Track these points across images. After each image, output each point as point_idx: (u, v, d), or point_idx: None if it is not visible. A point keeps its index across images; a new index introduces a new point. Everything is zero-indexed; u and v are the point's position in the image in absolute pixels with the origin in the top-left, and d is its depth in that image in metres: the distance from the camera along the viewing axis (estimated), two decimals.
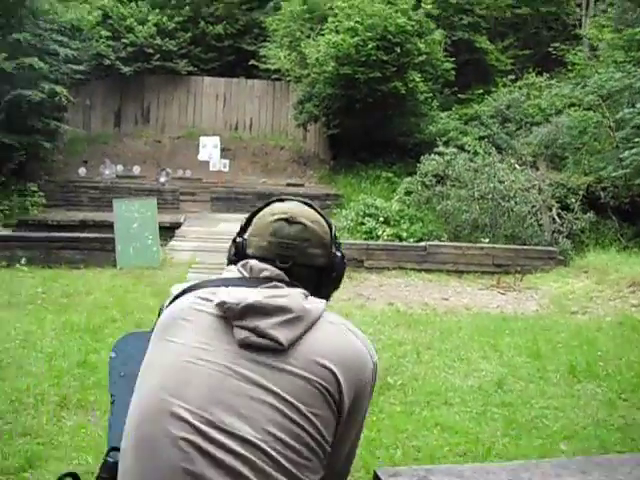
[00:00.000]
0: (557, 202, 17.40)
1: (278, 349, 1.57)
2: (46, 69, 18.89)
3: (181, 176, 22.32)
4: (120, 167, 22.48)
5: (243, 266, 1.76)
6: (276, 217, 1.79)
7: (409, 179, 18.98)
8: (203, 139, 21.95)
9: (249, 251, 1.80)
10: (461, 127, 22.71)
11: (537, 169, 18.93)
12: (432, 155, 18.11)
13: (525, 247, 14.88)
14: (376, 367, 1.73)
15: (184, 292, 1.77)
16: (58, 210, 19.83)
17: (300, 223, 1.78)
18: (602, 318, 9.97)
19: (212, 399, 1.54)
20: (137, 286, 10.92)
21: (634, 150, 16.28)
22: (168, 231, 16.47)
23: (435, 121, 22.55)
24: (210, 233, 16.84)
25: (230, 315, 1.61)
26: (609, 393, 6.32)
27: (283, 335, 1.57)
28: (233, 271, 1.77)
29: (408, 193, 18.97)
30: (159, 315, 1.80)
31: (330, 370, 1.58)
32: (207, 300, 1.68)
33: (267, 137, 25.49)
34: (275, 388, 1.54)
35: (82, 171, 21.83)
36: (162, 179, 21.31)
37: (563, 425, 5.53)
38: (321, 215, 1.87)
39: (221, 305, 1.62)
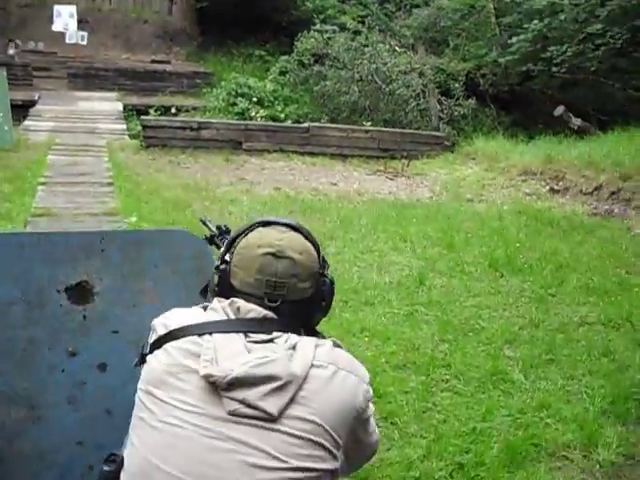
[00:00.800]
0: (437, 87, 16.93)
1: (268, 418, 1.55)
2: None
3: (33, 49, 20.17)
4: None
5: (230, 305, 1.70)
6: (263, 251, 1.71)
7: (285, 58, 18.04)
8: (58, 7, 19.77)
9: (234, 282, 1.75)
10: (339, 5, 21.71)
11: (416, 52, 18.33)
12: (311, 32, 17.07)
13: (412, 131, 14.33)
14: (369, 383, 1.70)
15: (169, 335, 1.68)
16: None
17: (288, 258, 1.71)
18: (500, 207, 9.57)
19: (200, 462, 1.53)
20: None
21: (522, 36, 15.86)
22: (21, 110, 14.81)
23: None
24: (69, 112, 15.36)
25: (219, 387, 1.55)
26: (536, 289, 5.84)
27: (272, 405, 1.54)
28: (219, 311, 1.71)
29: (283, 73, 18.12)
30: (142, 356, 1.74)
31: (320, 425, 1.57)
32: (196, 355, 1.61)
33: (129, 9, 23.42)
34: (267, 447, 1.52)
35: None
36: (11, 51, 19.17)
37: (500, 327, 4.99)
38: (308, 237, 1.79)
39: (207, 377, 1.55)
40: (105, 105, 16.77)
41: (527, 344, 4.72)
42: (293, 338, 1.65)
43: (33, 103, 16.14)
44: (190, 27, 23.04)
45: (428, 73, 16.62)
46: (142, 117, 13.19)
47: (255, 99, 16.45)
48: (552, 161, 11.25)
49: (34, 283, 2.08)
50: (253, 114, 15.71)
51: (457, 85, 16.68)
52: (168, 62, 21.00)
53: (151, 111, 15.12)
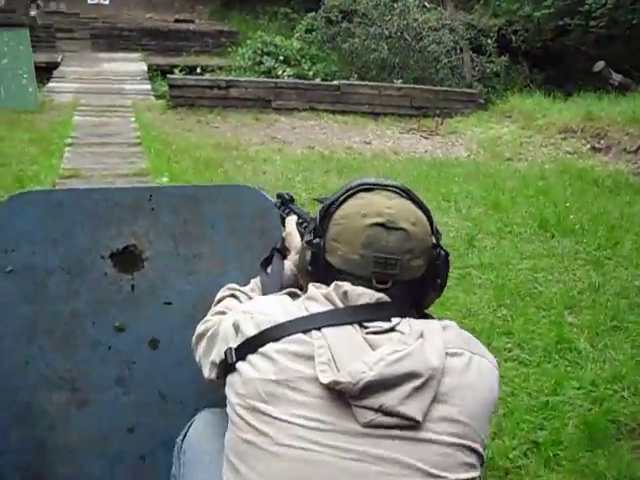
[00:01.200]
0: (468, 44, 16.44)
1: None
2: None
3: (55, 10, 19.84)
4: None
5: (335, 290, 1.41)
6: (370, 221, 1.43)
7: (311, 15, 17.57)
8: None
9: (332, 260, 1.47)
10: None
11: (446, 8, 17.79)
12: None
13: (445, 89, 13.90)
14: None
15: (261, 336, 1.38)
16: None
17: (401, 229, 1.43)
18: (541, 165, 9.19)
19: None
20: (14, 133, 9.27)
21: None
22: (44, 72, 14.56)
23: None
24: (93, 74, 15.11)
25: (347, 395, 1.28)
26: (590, 250, 5.50)
27: (415, 408, 1.28)
28: (319, 299, 1.42)
29: (309, 31, 17.69)
30: (227, 365, 1.44)
31: (468, 425, 1.32)
32: (307, 358, 1.32)
33: None
34: (418, 463, 1.27)
35: None
36: (33, 12, 18.84)
37: (559, 291, 4.67)
38: (419, 203, 1.51)
39: (334, 385, 1.27)
40: (129, 66, 16.48)
41: (589, 310, 4.40)
42: (416, 323, 1.39)
43: (56, 65, 15.89)
44: None
45: (459, 29, 16.13)
46: (168, 76, 12.88)
47: (282, 58, 16.13)
48: (593, 118, 10.79)
49: (75, 249, 1.80)
50: (280, 73, 15.39)
51: (489, 41, 16.17)
52: (192, 21, 20.63)
53: (176, 71, 14.80)
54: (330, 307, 1.40)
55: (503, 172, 8.53)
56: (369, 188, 1.49)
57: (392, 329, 1.37)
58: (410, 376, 1.28)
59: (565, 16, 15.67)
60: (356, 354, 1.31)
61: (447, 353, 1.34)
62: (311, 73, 15.69)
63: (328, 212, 1.51)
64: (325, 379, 1.28)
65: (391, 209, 1.44)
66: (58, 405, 1.85)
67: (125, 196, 1.82)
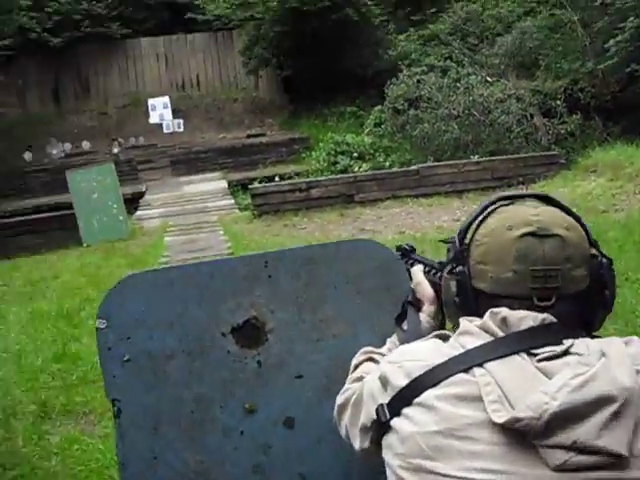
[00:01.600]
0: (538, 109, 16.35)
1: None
2: None
3: (134, 144, 20.75)
4: (68, 145, 20.86)
5: (491, 319, 1.22)
6: (518, 232, 1.25)
7: (378, 108, 17.83)
8: (151, 101, 20.44)
9: (481, 286, 1.29)
10: (420, 49, 21.47)
11: (508, 80, 17.81)
12: (400, 78, 16.86)
13: (524, 155, 13.73)
14: None
15: (415, 385, 1.19)
16: (9, 201, 18.25)
17: (555, 235, 1.24)
18: (639, 212, 8.80)
19: None
20: (109, 261, 9.52)
21: (619, 37, 15.08)
22: (131, 203, 15.13)
23: (394, 45, 21.20)
24: (176, 197, 15.64)
25: (530, 435, 1.06)
26: None
27: (617, 441, 1.03)
28: (474, 333, 1.22)
29: (378, 125, 17.99)
30: (380, 425, 1.24)
31: None
32: (472, 400, 1.12)
33: (217, 91, 23.97)
34: None
35: (28, 156, 20.17)
36: (115, 150, 19.76)
37: None
38: (567, 210, 1.30)
39: (513, 422, 1.06)
40: (210, 185, 16.93)
41: None
42: (593, 342, 1.18)
43: (142, 194, 16.51)
44: (278, 97, 23.32)
45: (525, 97, 16.06)
46: (250, 186, 13.16)
47: (356, 154, 16.45)
48: None
49: (192, 328, 1.67)
50: (356, 169, 15.56)
51: (558, 102, 16.02)
52: (263, 134, 21.22)
53: (255, 183, 15.10)
54: (489, 339, 1.21)
55: (602, 224, 8.18)
56: (506, 199, 1.34)
57: (567, 352, 1.16)
58: (603, 401, 1.06)
59: (631, 63, 15.42)
60: (531, 386, 1.10)
61: (637, 371, 1.12)
62: (387, 164, 15.83)
63: (465, 236, 1.35)
64: (500, 419, 1.08)
65: (539, 216, 1.26)
66: None
67: (238, 266, 1.69)
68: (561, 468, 1.05)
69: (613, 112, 17.04)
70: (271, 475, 1.71)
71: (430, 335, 1.37)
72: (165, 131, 20.20)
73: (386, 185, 12.50)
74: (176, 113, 21.14)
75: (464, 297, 1.31)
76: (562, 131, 15.49)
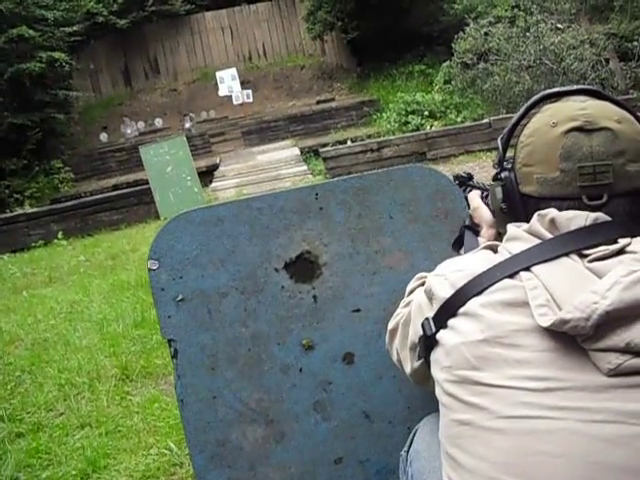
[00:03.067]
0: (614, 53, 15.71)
1: None
2: (38, 37, 17.47)
3: (206, 118, 20.94)
4: (141, 124, 21.20)
5: (540, 221, 1.13)
6: (563, 128, 1.14)
7: (447, 64, 17.46)
8: (219, 74, 20.48)
9: (528, 189, 1.20)
10: (487, 0, 20.87)
11: (579, 26, 17.15)
12: (467, 32, 16.45)
13: None
14: None
15: (460, 295, 1.11)
16: (89, 181, 18.78)
17: (604, 129, 1.12)
18: None
19: (613, 470, 0.92)
20: None
21: None
22: (206, 176, 15.28)
23: None
24: (250, 167, 15.71)
25: (580, 337, 0.98)
26: None
27: None
28: (522, 238, 1.13)
29: (447, 82, 17.66)
30: (427, 341, 1.17)
31: None
32: (519, 305, 1.04)
33: (284, 60, 23.93)
34: None
35: (103, 137, 20.60)
36: (187, 125, 19.98)
37: None
38: (620, 103, 1.19)
39: (560, 325, 0.97)
40: (282, 153, 16.96)
41: None
42: None
43: (216, 167, 16.63)
44: (346, 61, 23.10)
45: (599, 41, 15.45)
46: (321, 150, 13.10)
47: (427, 113, 16.21)
48: None
49: (245, 265, 1.63)
50: (428, 128, 15.34)
51: (635, 44, 15.37)
52: (333, 99, 21.10)
53: (328, 147, 15.06)
54: (537, 242, 1.12)
55: None
56: (552, 96, 1.25)
57: (622, 251, 1.06)
58: None
59: None
60: (581, 287, 1.01)
61: None
62: (459, 120, 15.54)
63: (509, 138, 1.28)
64: (546, 322, 1.00)
65: (586, 110, 1.16)
66: (254, 441, 1.65)
67: (288, 199, 1.63)
68: (615, 372, 0.97)
69: None
70: (332, 412, 1.67)
71: (480, 247, 1.29)
72: (235, 103, 20.26)
73: (458, 140, 12.29)
74: (244, 84, 21.18)
75: (511, 203, 1.24)
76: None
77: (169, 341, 1.61)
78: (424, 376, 1.27)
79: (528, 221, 1.18)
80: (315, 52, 23.77)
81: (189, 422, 1.63)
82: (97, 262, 8.77)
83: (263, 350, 1.65)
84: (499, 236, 1.52)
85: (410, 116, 16.47)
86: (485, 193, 1.63)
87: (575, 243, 1.08)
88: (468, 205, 1.64)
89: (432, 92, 17.44)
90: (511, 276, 1.08)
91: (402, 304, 1.44)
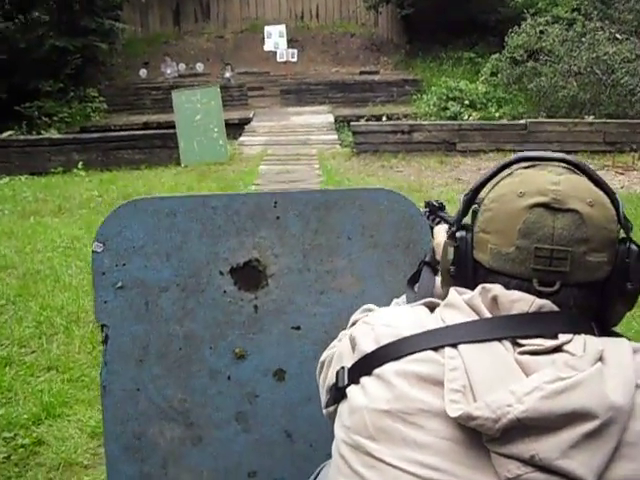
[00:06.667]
0: None
1: None
2: None
3: (247, 70, 20.79)
4: (182, 66, 21.06)
5: (481, 295, 1.06)
6: (529, 201, 1.06)
7: (496, 56, 17.17)
8: (268, 28, 20.29)
9: (481, 257, 1.12)
10: None
11: (638, 39, 16.77)
12: (522, 27, 16.14)
13: None
14: None
15: (380, 353, 1.05)
16: (120, 115, 18.70)
17: (571, 210, 1.05)
18: None
19: None
20: (202, 183, 9.63)
21: None
22: (237, 128, 15.25)
23: None
24: (282, 127, 15.59)
25: (485, 437, 0.92)
26: None
27: (585, 465, 0.88)
28: (460, 307, 1.07)
29: (494, 74, 17.34)
30: (337, 390, 1.12)
31: None
32: (433, 383, 0.98)
33: (336, 24, 23.62)
34: None
35: (143, 73, 20.52)
36: (227, 74, 19.83)
37: None
38: (598, 180, 1.10)
39: (467, 420, 0.93)
40: (317, 118, 16.83)
41: None
42: (594, 342, 1.01)
43: (248, 121, 16.55)
44: (396, 36, 22.80)
45: None
46: (352, 124, 12.97)
47: (467, 102, 16.00)
48: None
49: (190, 263, 1.60)
50: (465, 117, 15.15)
51: None
52: (377, 72, 20.85)
53: (361, 121, 14.91)
54: (474, 317, 1.05)
55: None
56: (528, 161, 1.15)
57: (558, 348, 1.00)
58: (579, 416, 0.91)
59: None
60: (503, 381, 0.95)
61: (637, 386, 0.96)
62: (497, 115, 15.33)
63: (475, 197, 1.19)
64: (454, 412, 0.94)
65: (558, 185, 1.07)
66: (171, 440, 1.63)
67: (247, 203, 1.59)
68: None
69: None
70: (254, 425, 1.65)
71: (419, 302, 1.22)
72: (279, 60, 20.10)
73: (491, 136, 12.09)
74: (291, 43, 20.97)
75: (460, 267, 1.16)
76: None
77: (102, 326, 1.58)
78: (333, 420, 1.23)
79: (472, 288, 1.12)
80: (367, 22, 23.45)
81: (108, 410, 1.61)
82: (109, 200, 8.78)
83: (194, 352, 1.62)
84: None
85: (450, 102, 16.25)
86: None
87: (512, 329, 1.02)
88: (433, 237, 1.59)
89: (477, 82, 17.17)
90: (435, 349, 1.02)
91: (339, 336, 1.39)
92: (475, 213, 1.18)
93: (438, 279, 1.46)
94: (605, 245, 1.07)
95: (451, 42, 20.55)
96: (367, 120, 14.91)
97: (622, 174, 10.64)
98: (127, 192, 9.26)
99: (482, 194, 1.20)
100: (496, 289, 1.06)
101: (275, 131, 15.14)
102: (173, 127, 12.49)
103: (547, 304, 1.04)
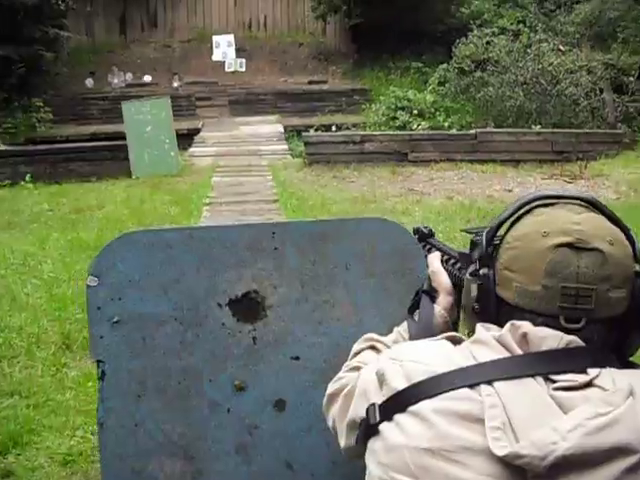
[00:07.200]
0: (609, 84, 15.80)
1: None
2: None
3: (195, 80, 20.66)
4: (129, 75, 20.83)
5: (511, 332, 1.09)
6: (554, 241, 1.10)
7: (444, 67, 17.43)
8: (216, 38, 20.27)
9: (505, 295, 1.15)
10: (494, 10, 20.91)
11: (581, 51, 17.22)
12: (469, 38, 16.42)
13: (587, 130, 13.29)
14: None
15: (413, 391, 1.06)
16: (67, 126, 18.34)
17: (595, 250, 1.09)
18: None
19: None
20: (155, 195, 9.55)
21: None
22: (186, 138, 15.09)
23: (467, 3, 20.63)
24: (231, 137, 15.55)
25: (531, 473, 0.94)
26: None
27: None
28: (490, 344, 1.09)
29: (442, 83, 17.61)
30: (369, 426, 1.12)
31: None
32: (473, 421, 1.00)
33: (284, 34, 23.62)
34: None
35: (89, 82, 20.23)
36: (175, 84, 19.70)
37: None
38: (615, 219, 1.14)
39: (514, 458, 0.94)
40: (266, 128, 16.82)
41: None
42: (621, 376, 1.04)
43: (197, 131, 16.44)
44: (345, 45, 22.91)
45: (597, 70, 15.52)
46: (304, 134, 13.00)
47: (416, 111, 16.12)
48: None
49: (188, 296, 1.58)
50: (414, 127, 15.30)
51: (631, 79, 15.46)
52: (325, 82, 20.93)
53: (311, 130, 14.95)
54: (505, 354, 1.08)
55: None
56: (547, 199, 1.19)
57: (589, 384, 1.04)
58: (620, 451, 0.93)
59: None
60: (541, 418, 0.98)
61: None
62: (446, 125, 15.55)
63: (495, 235, 1.21)
64: (500, 450, 0.96)
65: (580, 225, 1.11)
66: (171, 474, 1.61)
67: (244, 235, 1.58)
68: None
69: None
70: (254, 457, 1.64)
71: (440, 336, 1.24)
72: (227, 70, 20.07)
73: (442, 147, 12.23)
74: (240, 52, 20.95)
75: (484, 304, 1.19)
76: (631, 109, 14.93)
77: (98, 362, 1.56)
78: (358, 455, 1.22)
79: (497, 323, 1.15)
80: (316, 32, 23.50)
81: (106, 447, 1.58)
82: (60, 214, 8.65)
83: (193, 385, 1.60)
84: (456, 307, 1.48)
85: (399, 112, 16.37)
86: (446, 257, 1.59)
87: (544, 365, 1.06)
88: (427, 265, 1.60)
89: (425, 92, 17.36)
90: (471, 386, 1.04)
91: (346, 367, 1.40)
92: (491, 250, 1.21)
93: (436, 307, 1.48)
94: (625, 281, 1.11)
95: (399, 52, 20.73)
96: (316, 130, 14.94)
97: (570, 182, 10.89)
98: (79, 205, 9.13)
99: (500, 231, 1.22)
100: (525, 326, 1.10)
101: (225, 141, 15.09)
102: (123, 138, 12.33)
103: (575, 340, 1.08)
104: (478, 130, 12.91)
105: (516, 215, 1.20)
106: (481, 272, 1.19)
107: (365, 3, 19.98)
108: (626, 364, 1.14)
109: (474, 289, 1.20)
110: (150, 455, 1.59)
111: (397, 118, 16.05)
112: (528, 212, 1.19)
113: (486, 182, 10.71)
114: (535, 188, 10.26)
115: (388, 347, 1.41)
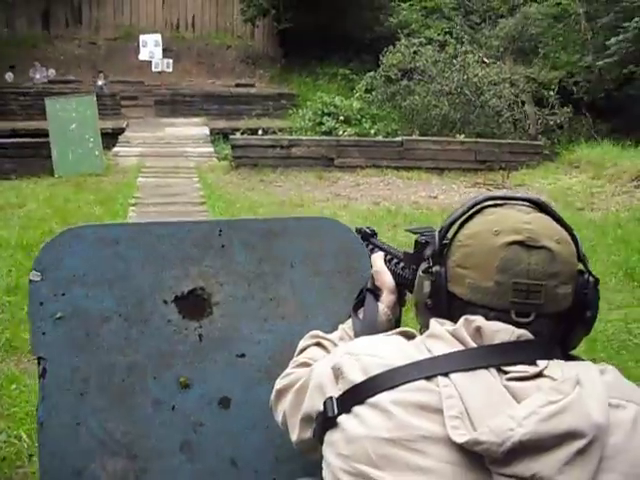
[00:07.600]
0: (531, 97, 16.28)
1: None
2: None
3: (120, 79, 20.32)
4: (52, 71, 20.35)
5: (465, 326, 1.14)
6: (506, 239, 1.15)
7: (371, 74, 17.58)
8: (143, 37, 19.96)
9: (458, 290, 1.20)
10: (422, 20, 21.28)
11: (504, 64, 17.68)
12: (397, 47, 16.63)
13: (509, 141, 13.64)
14: None
15: (371, 384, 1.10)
16: None
17: (544, 248, 1.15)
18: (616, 214, 8.79)
19: None
20: (79, 195, 9.34)
21: (621, 36, 14.95)
22: (111, 138, 14.81)
23: (395, 12, 20.91)
24: (157, 138, 15.36)
25: (489, 459, 0.99)
26: None
27: (578, 479, 0.98)
28: (445, 338, 1.14)
29: (369, 91, 17.75)
30: (326, 419, 1.15)
31: None
32: (432, 411, 1.04)
33: (212, 36, 23.49)
34: None
35: (9, 76, 19.68)
36: (100, 82, 19.32)
37: None
38: (560, 220, 1.22)
39: (473, 445, 0.99)
40: (192, 130, 16.68)
41: None
42: (568, 367, 1.11)
43: (122, 131, 16.20)
44: (273, 50, 22.94)
45: (520, 83, 15.96)
46: (231, 137, 12.94)
47: (342, 118, 16.21)
48: None
49: (133, 292, 1.56)
50: (340, 133, 15.39)
51: (551, 93, 15.94)
52: (252, 85, 20.90)
53: (237, 134, 14.90)
54: (459, 347, 1.13)
55: (577, 222, 8.09)
56: (498, 200, 1.24)
57: (540, 374, 1.09)
58: (571, 436, 0.99)
59: (629, 64, 15.34)
60: (497, 407, 1.03)
61: (611, 404, 1.05)
62: (372, 132, 15.70)
63: (446, 230, 1.26)
64: (460, 438, 1.00)
65: (530, 224, 1.17)
66: (113, 474, 1.58)
67: (191, 231, 1.57)
68: None
69: (604, 110, 16.97)
70: (199, 455, 1.63)
71: (393, 331, 1.29)
72: (153, 69, 19.80)
73: (368, 153, 12.36)
74: (167, 53, 20.69)
75: (437, 300, 1.23)
76: (551, 122, 15.42)
77: (39, 359, 1.52)
78: (312, 449, 1.25)
79: (450, 318, 1.19)
80: (244, 35, 23.46)
81: (45, 446, 1.55)
82: None
83: (137, 382, 1.58)
84: (399, 305, 1.52)
85: (325, 117, 16.43)
86: (389, 256, 1.62)
87: (496, 357, 1.10)
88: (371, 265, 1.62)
89: (352, 98, 17.48)
90: (428, 378, 1.08)
91: (293, 363, 1.42)
92: (443, 248, 1.25)
93: (380, 305, 1.51)
94: (570, 278, 1.18)
95: (327, 58, 20.89)
96: (243, 133, 14.89)
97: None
98: None
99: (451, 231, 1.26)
100: (479, 320, 1.14)
101: (150, 142, 14.90)
102: (45, 135, 12.01)
103: (525, 333, 1.13)
104: (404, 137, 13.10)
105: (467, 215, 1.24)
106: (434, 269, 1.24)
107: (294, 8, 20.06)
108: (570, 357, 1.20)
109: (427, 286, 1.24)
110: (92, 454, 1.56)
111: (323, 124, 16.10)
112: (479, 212, 1.24)
113: (411, 189, 10.87)
114: (459, 196, 10.49)
115: (334, 344, 1.44)
